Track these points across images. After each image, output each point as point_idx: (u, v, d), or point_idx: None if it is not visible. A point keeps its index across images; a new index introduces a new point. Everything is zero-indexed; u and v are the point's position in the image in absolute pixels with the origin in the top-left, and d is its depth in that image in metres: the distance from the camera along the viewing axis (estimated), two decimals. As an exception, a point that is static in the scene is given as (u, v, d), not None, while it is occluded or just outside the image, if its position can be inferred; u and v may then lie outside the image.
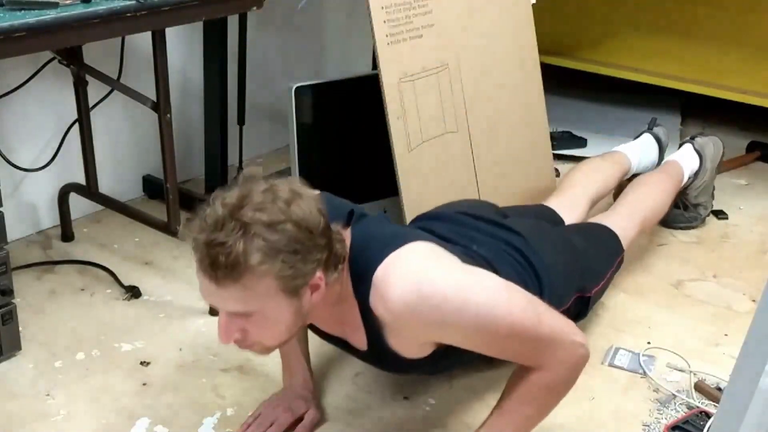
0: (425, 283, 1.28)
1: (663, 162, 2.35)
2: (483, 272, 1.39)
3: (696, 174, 2.32)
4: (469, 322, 1.29)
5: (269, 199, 1.20)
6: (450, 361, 1.50)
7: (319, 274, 1.25)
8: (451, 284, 1.30)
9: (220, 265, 1.17)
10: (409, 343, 1.37)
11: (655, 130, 2.43)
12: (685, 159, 2.30)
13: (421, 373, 1.66)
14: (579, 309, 1.73)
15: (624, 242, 1.92)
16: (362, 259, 1.33)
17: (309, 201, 1.24)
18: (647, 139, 2.39)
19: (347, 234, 1.36)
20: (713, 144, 2.37)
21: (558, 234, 1.83)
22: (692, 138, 2.38)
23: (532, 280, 1.59)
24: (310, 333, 1.59)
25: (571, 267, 1.72)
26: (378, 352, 1.40)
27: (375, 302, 1.30)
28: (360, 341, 1.42)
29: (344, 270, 1.33)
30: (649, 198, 2.11)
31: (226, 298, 1.23)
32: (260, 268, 1.18)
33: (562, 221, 1.95)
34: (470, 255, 1.48)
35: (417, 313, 1.27)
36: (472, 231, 1.61)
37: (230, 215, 1.18)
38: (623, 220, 1.98)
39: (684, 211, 2.37)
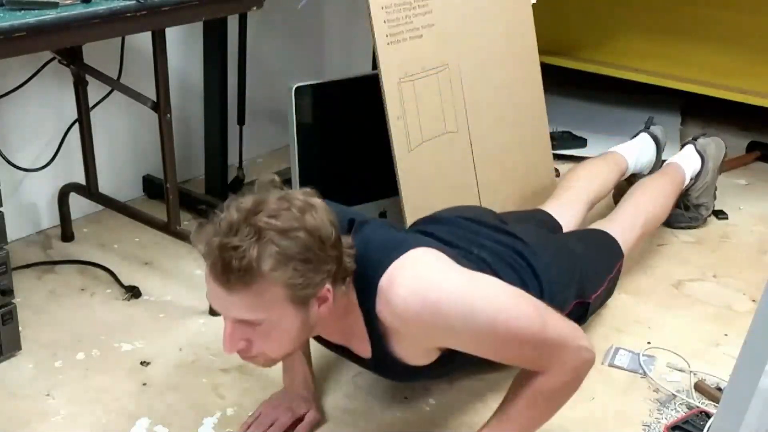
0: (432, 289, 1.29)
1: (665, 164, 2.34)
2: (488, 278, 1.39)
3: (698, 175, 2.32)
4: (475, 328, 1.30)
5: (284, 207, 1.21)
6: (454, 365, 1.51)
7: (327, 286, 1.26)
8: (458, 290, 1.30)
9: (233, 270, 1.18)
10: (415, 349, 1.38)
11: (652, 129, 2.43)
12: (687, 160, 2.30)
13: (425, 379, 1.66)
14: (578, 315, 1.73)
15: (624, 248, 1.92)
16: (366, 267, 1.33)
17: (322, 212, 1.25)
18: (644, 138, 2.39)
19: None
20: (715, 145, 2.37)
21: (556, 240, 1.84)
22: (694, 139, 2.37)
23: (533, 283, 1.59)
24: (312, 341, 1.59)
25: (570, 272, 1.72)
26: (382, 361, 1.41)
27: (381, 308, 1.31)
28: (364, 350, 1.42)
29: (346, 287, 1.34)
30: (650, 203, 2.10)
31: (235, 305, 1.23)
32: (272, 275, 1.18)
33: (560, 227, 1.95)
34: (471, 259, 1.49)
35: (424, 318, 1.28)
36: (472, 234, 1.61)
37: (245, 220, 1.19)
38: (623, 226, 1.97)
39: (685, 211, 2.37)
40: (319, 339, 1.52)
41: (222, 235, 1.19)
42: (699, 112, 3.20)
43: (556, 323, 1.36)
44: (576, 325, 1.40)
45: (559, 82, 2.97)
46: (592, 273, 1.80)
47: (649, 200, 2.11)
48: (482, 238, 1.61)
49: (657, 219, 2.14)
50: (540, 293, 1.57)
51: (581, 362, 1.37)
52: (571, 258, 1.76)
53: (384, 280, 1.30)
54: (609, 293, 1.90)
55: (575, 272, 1.73)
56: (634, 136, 2.41)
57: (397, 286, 1.29)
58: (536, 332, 1.33)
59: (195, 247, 1.24)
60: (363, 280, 1.33)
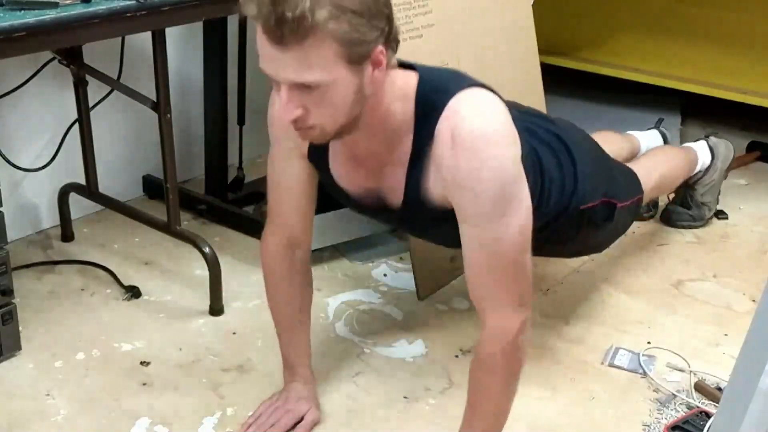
0: (502, 135, 1.29)
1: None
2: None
3: (707, 169, 2.34)
4: (494, 194, 1.29)
5: None
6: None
7: (381, 46, 1.23)
8: (511, 166, 1.30)
9: (286, 22, 1.14)
10: (442, 184, 1.35)
11: (662, 129, 2.46)
12: (699, 150, 2.33)
13: (443, 238, 1.60)
14: (606, 215, 1.74)
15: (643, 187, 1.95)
16: (432, 86, 1.32)
17: None
18: (654, 133, 2.43)
19: (411, 74, 1.34)
20: (725, 146, 2.39)
21: (590, 139, 1.86)
22: (707, 136, 2.40)
23: (567, 163, 1.61)
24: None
25: (600, 167, 1.75)
26: (412, 200, 1.39)
27: (444, 126, 1.29)
28: (396, 189, 1.40)
29: (404, 97, 1.32)
30: (666, 161, 2.17)
31: (289, 64, 1.19)
32: (326, 26, 1.15)
33: None
34: None
35: (475, 150, 1.27)
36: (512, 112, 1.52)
37: None
38: (642, 171, 1.99)
39: (688, 209, 2.38)
40: (347, 199, 1.50)
41: None
42: (699, 112, 3.20)
43: (528, 269, 1.35)
44: (529, 305, 1.38)
45: (559, 82, 2.97)
46: (620, 182, 1.83)
47: (666, 159, 2.19)
48: (521, 118, 1.52)
49: (669, 180, 2.18)
50: (573, 171, 1.61)
51: (515, 333, 1.34)
52: (603, 158, 1.80)
53: (457, 101, 1.29)
54: (627, 225, 1.92)
55: (605, 170, 1.76)
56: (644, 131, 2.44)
57: (474, 112, 1.28)
58: (516, 252, 1.32)
59: (244, 11, 1.19)
60: (429, 96, 1.31)
